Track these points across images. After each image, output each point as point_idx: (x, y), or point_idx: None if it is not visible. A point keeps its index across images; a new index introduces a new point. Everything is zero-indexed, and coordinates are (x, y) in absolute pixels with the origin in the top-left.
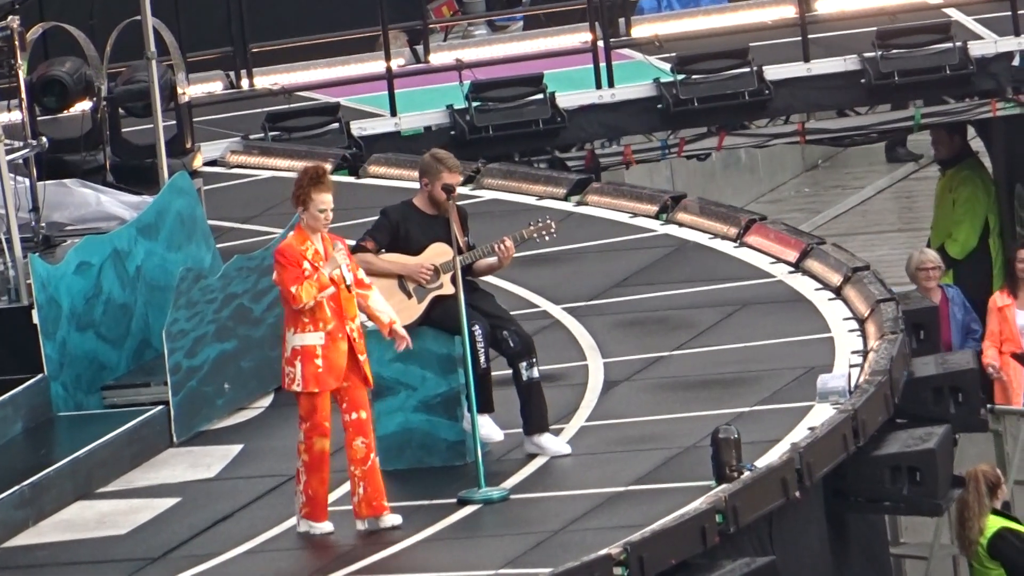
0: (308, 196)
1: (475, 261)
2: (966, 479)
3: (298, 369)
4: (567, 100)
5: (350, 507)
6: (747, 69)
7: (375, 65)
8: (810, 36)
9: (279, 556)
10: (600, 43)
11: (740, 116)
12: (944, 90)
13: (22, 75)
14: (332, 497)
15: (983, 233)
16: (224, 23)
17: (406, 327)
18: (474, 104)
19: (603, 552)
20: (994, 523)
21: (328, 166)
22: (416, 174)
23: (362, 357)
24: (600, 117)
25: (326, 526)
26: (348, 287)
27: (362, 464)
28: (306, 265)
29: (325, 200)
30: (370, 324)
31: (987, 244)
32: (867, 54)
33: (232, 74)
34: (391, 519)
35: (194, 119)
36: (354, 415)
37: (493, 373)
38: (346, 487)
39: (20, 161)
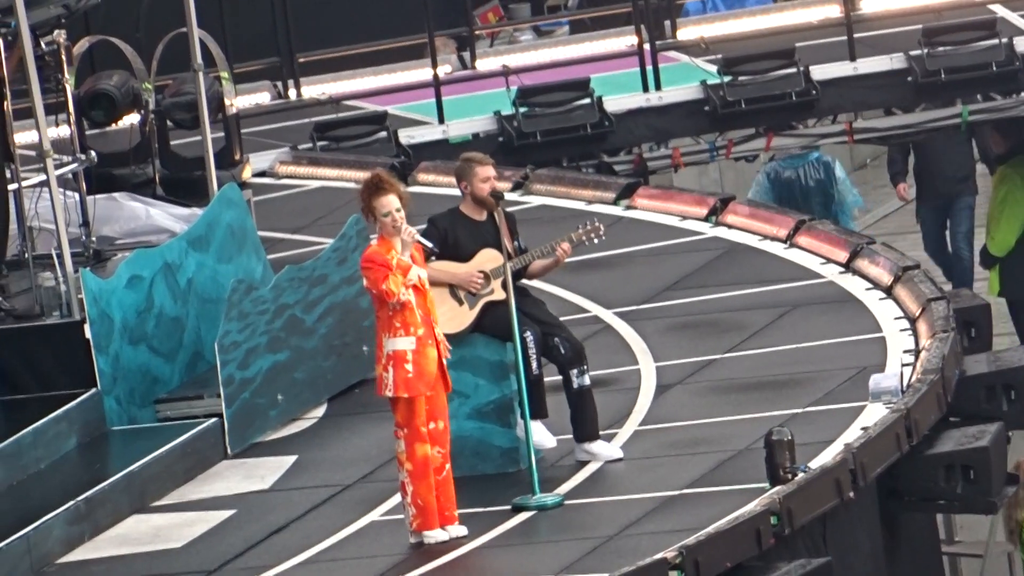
0: (370, 207)
1: (526, 266)
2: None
3: (391, 374)
4: (614, 104)
5: (403, 516)
6: (794, 69)
7: (422, 73)
8: (856, 35)
9: (334, 567)
10: (646, 46)
11: (788, 116)
12: (991, 87)
13: (70, 89)
14: (384, 507)
15: None
16: (271, 33)
17: (458, 334)
18: (521, 110)
19: (658, 556)
20: None
21: (383, 170)
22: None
23: (446, 361)
24: (648, 120)
25: (440, 534)
26: (432, 251)
27: (438, 474)
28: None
29: (385, 203)
30: None
31: None
32: (913, 52)
33: (279, 84)
34: (458, 530)
35: (242, 130)
36: (432, 425)
37: (545, 379)
38: (396, 498)
39: (69, 176)
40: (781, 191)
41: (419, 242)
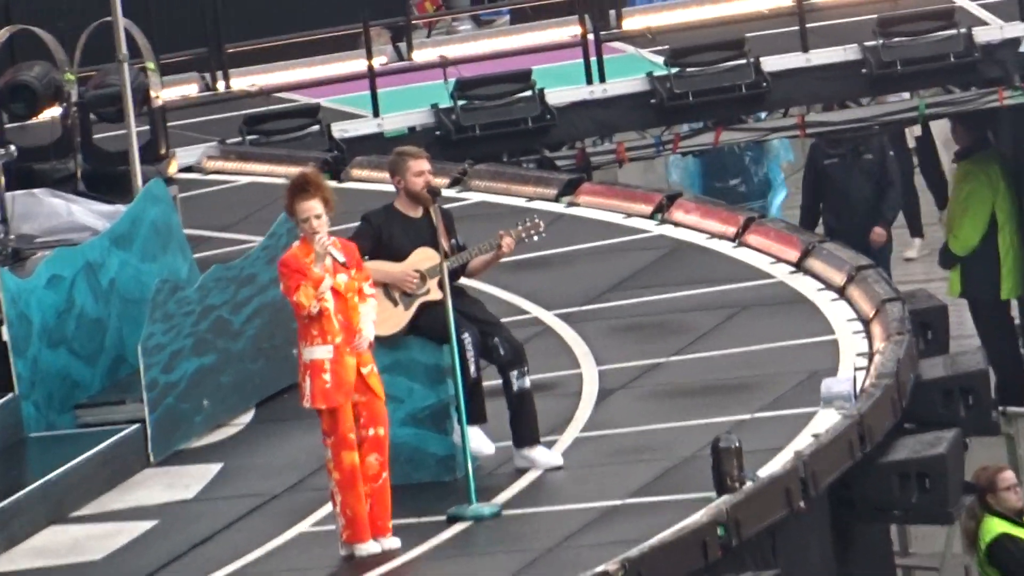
0: (292, 207)
1: (464, 264)
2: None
3: (308, 384)
4: (557, 96)
5: (333, 527)
6: (743, 61)
7: (356, 64)
8: (808, 25)
9: None
10: (590, 36)
11: (737, 110)
12: (949, 79)
13: None
14: (314, 517)
15: (990, 229)
16: (198, 23)
17: (393, 336)
18: (460, 103)
19: (600, 569)
20: (996, 527)
21: (313, 169)
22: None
23: (365, 370)
24: (591, 113)
25: (371, 546)
26: (344, 264)
27: (373, 481)
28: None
29: (306, 208)
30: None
31: (994, 241)
32: (868, 43)
33: (207, 76)
34: (391, 542)
35: (168, 123)
36: (371, 431)
37: (484, 383)
38: (326, 508)
39: None
40: (710, 159)
41: (332, 255)
